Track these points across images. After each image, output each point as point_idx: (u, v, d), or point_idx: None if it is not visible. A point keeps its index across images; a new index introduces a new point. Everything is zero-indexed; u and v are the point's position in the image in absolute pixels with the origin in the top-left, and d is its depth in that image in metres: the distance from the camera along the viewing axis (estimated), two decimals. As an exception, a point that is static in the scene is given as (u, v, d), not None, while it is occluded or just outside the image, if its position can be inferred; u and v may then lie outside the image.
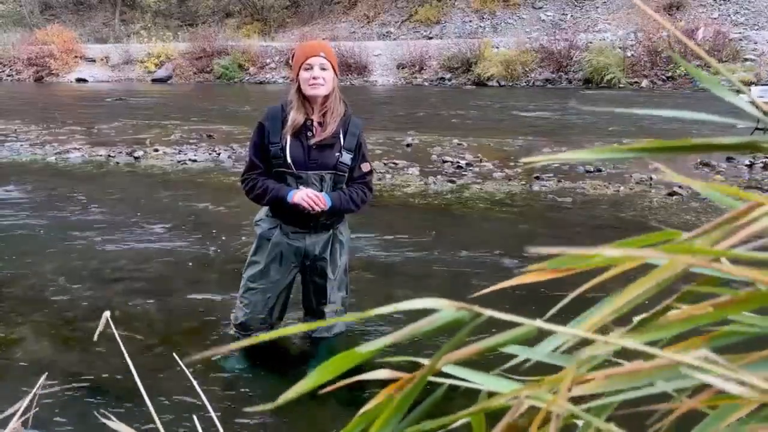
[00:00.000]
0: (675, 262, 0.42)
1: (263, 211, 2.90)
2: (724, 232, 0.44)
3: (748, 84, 14.94)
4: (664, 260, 0.43)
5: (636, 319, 0.48)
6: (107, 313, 1.13)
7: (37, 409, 1.11)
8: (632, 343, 0.41)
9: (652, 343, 0.42)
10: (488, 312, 0.41)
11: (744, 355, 0.41)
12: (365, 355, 0.43)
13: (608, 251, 0.42)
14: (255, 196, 2.73)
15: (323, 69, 2.60)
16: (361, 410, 0.45)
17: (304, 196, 2.60)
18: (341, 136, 2.70)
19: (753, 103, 0.49)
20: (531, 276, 0.46)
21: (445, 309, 0.42)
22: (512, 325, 0.44)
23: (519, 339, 0.43)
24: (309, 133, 2.66)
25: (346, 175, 2.75)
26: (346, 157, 2.71)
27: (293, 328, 0.48)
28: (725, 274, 0.43)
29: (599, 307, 0.47)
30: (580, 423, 0.50)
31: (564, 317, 0.50)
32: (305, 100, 2.65)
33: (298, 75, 2.63)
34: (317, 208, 2.61)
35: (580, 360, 0.45)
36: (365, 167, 2.81)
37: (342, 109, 2.72)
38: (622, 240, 0.47)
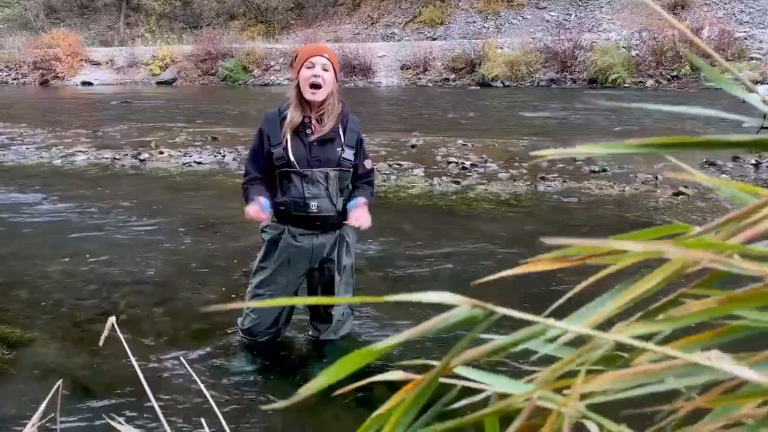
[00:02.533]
0: (686, 257, 0.42)
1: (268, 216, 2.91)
2: (733, 229, 0.44)
3: (755, 83, 14.89)
4: (674, 254, 0.43)
5: (640, 314, 0.48)
6: (113, 319, 1.13)
7: (53, 414, 1.11)
8: (642, 343, 0.41)
9: (658, 337, 0.43)
10: (502, 310, 0.41)
11: (752, 354, 0.41)
12: (379, 351, 0.43)
13: (617, 244, 0.42)
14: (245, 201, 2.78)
15: (325, 69, 2.61)
16: (375, 413, 0.45)
17: (249, 212, 2.63)
18: (341, 132, 2.72)
19: (764, 100, 0.49)
20: (537, 265, 0.46)
21: (460, 306, 0.42)
22: (518, 325, 0.44)
23: (532, 338, 0.43)
24: (308, 131, 2.68)
25: (351, 171, 2.76)
26: (349, 153, 2.72)
27: (311, 299, 0.47)
28: (736, 269, 0.43)
29: (605, 301, 0.47)
30: (589, 424, 0.50)
31: (569, 311, 0.50)
32: (303, 99, 2.66)
33: (299, 73, 2.64)
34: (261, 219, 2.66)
35: (590, 358, 0.45)
36: (368, 164, 2.84)
37: (339, 107, 2.74)
38: (630, 233, 0.47)
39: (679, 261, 0.43)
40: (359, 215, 2.65)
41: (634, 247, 0.42)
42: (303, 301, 0.48)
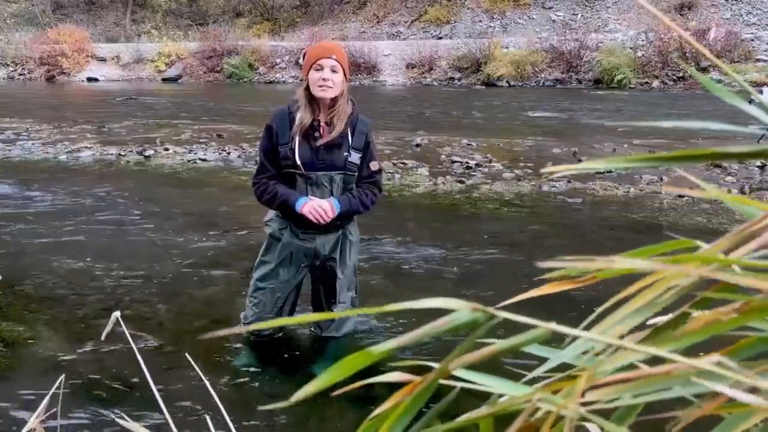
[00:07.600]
0: (684, 274, 0.42)
1: (273, 211, 2.91)
2: (735, 241, 0.44)
3: (761, 84, 14.82)
4: (676, 271, 0.43)
5: (651, 321, 0.48)
6: (117, 314, 1.13)
7: (56, 408, 1.12)
8: (649, 348, 0.40)
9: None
10: (503, 314, 0.41)
11: (763, 362, 0.41)
12: (379, 354, 0.43)
13: (622, 263, 0.42)
14: (265, 201, 2.75)
15: (333, 71, 2.57)
16: (373, 414, 0.45)
17: (311, 209, 2.60)
18: (349, 135, 2.70)
19: (764, 109, 0.49)
20: (551, 287, 0.46)
21: (461, 310, 0.42)
22: (522, 329, 0.44)
23: (533, 342, 0.43)
24: (317, 134, 2.65)
25: (356, 174, 2.75)
26: (355, 157, 2.71)
27: (307, 317, 0.48)
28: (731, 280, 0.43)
29: (614, 313, 0.47)
30: (591, 429, 0.50)
31: (577, 322, 0.50)
32: (313, 100, 2.64)
33: (307, 74, 2.63)
34: (323, 221, 2.62)
35: (597, 362, 0.45)
36: (374, 166, 2.79)
37: (349, 109, 2.71)
38: (637, 249, 0.47)
39: (672, 278, 0.43)
40: (311, 207, 2.62)
41: (622, 265, 0.42)
42: (302, 320, 0.48)
